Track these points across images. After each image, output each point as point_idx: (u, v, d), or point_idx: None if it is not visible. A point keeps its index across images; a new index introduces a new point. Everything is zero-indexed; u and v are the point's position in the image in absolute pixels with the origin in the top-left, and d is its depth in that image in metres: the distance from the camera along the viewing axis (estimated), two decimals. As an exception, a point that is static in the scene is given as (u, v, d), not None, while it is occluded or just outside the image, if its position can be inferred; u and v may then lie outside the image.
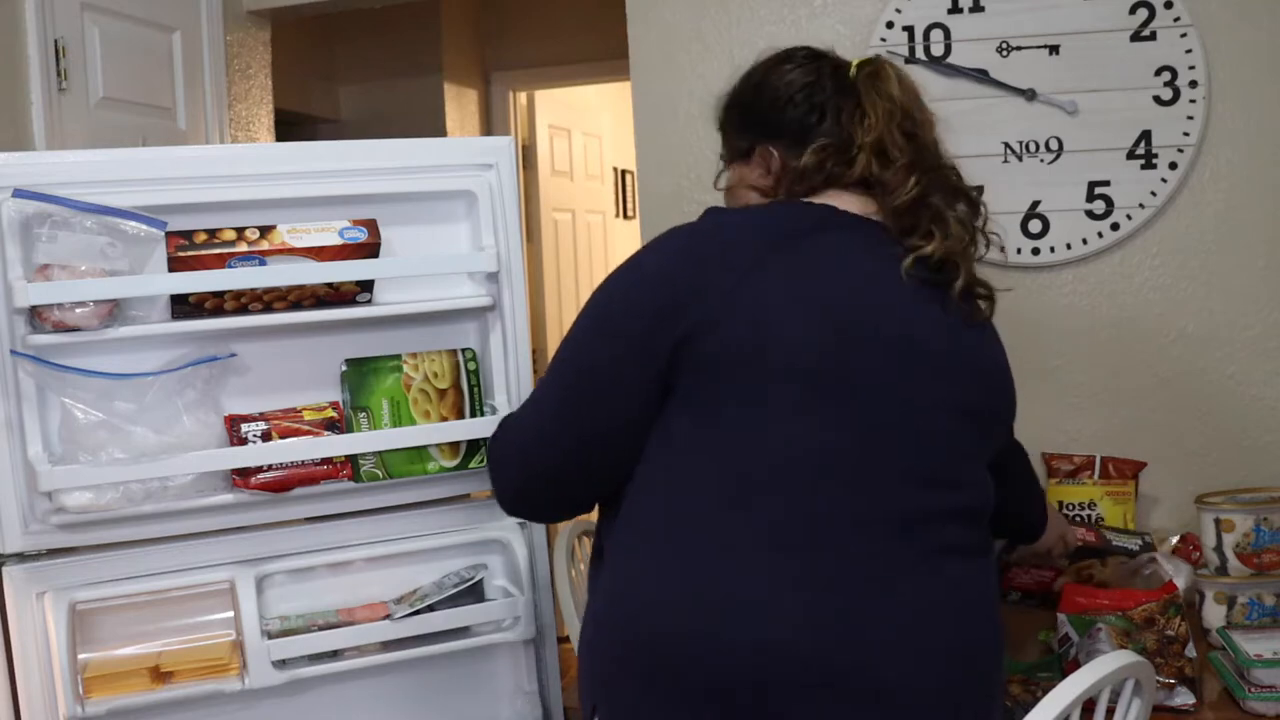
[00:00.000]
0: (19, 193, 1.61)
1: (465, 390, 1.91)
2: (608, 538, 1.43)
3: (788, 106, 1.47)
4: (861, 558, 1.29)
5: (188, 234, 1.68)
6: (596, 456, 1.41)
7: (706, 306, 1.32)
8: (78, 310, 1.62)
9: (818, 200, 1.44)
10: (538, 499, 1.52)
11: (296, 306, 1.75)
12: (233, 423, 1.74)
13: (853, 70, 1.48)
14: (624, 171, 5.56)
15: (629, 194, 5.69)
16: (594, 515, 1.51)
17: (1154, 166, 2.37)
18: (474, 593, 1.91)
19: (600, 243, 5.13)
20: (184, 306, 1.69)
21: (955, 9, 2.41)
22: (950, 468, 1.38)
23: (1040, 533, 1.88)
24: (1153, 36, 2.34)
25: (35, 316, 1.63)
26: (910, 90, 1.50)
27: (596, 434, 1.40)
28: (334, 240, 1.75)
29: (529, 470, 1.48)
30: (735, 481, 1.31)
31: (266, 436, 1.73)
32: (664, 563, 1.32)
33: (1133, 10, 2.35)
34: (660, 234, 1.45)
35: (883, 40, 2.44)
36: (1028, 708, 1.40)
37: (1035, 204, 2.42)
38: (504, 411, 1.93)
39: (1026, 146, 2.41)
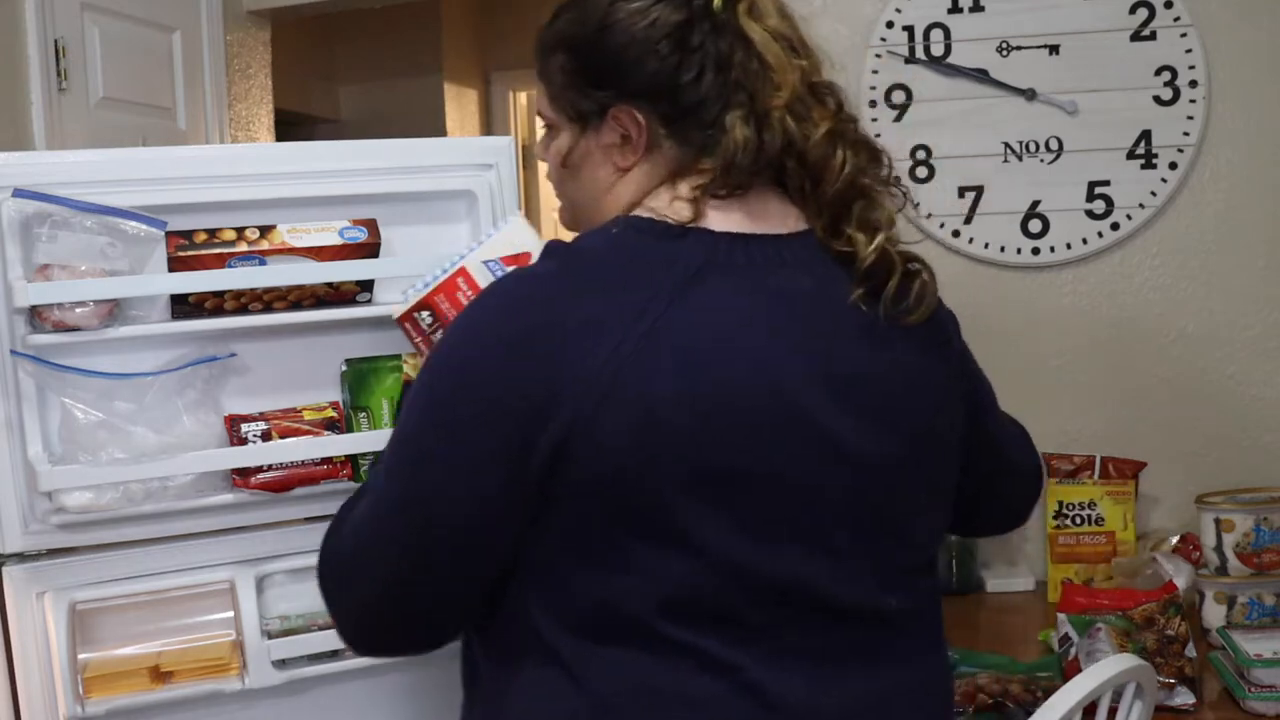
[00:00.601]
0: (19, 192, 1.61)
1: (465, 390, 1.91)
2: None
3: (650, 56, 1.08)
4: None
5: (188, 234, 1.68)
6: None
7: (576, 400, 0.99)
8: (78, 310, 1.62)
9: (716, 211, 1.09)
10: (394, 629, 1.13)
11: (296, 306, 1.75)
12: (233, 423, 1.74)
13: (716, 2, 1.09)
14: (624, 171, 5.57)
15: (629, 194, 5.69)
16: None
17: (1154, 166, 2.37)
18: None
19: (600, 243, 5.13)
20: (184, 306, 1.69)
21: (955, 9, 2.41)
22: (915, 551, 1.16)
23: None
24: (1153, 36, 2.34)
25: (35, 316, 1.63)
26: (791, 18, 1.15)
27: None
28: (334, 240, 1.75)
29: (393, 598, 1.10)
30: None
31: (266, 436, 1.73)
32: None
33: (1133, 10, 2.35)
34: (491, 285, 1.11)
35: (883, 40, 2.44)
36: (1029, 708, 1.40)
37: (1035, 204, 2.42)
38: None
39: (1026, 146, 2.41)
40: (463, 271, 1.49)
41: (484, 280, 1.44)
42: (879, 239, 1.09)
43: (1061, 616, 1.94)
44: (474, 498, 1.02)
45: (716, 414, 1.00)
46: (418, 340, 1.54)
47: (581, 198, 1.19)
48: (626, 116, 1.10)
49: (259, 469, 1.73)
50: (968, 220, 2.44)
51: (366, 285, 1.80)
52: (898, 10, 2.44)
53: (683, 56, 1.08)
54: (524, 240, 1.53)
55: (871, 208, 1.11)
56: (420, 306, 1.51)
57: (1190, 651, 1.77)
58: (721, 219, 1.08)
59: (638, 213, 1.11)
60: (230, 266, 1.68)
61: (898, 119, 2.44)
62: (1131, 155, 2.37)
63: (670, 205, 1.09)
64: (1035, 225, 2.42)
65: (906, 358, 1.12)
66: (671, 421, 0.99)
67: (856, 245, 1.09)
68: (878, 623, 1.09)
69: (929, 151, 2.44)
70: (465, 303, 1.36)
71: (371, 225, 1.80)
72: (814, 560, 1.05)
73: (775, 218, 1.11)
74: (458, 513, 1.03)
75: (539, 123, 1.28)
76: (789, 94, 1.06)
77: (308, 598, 1.84)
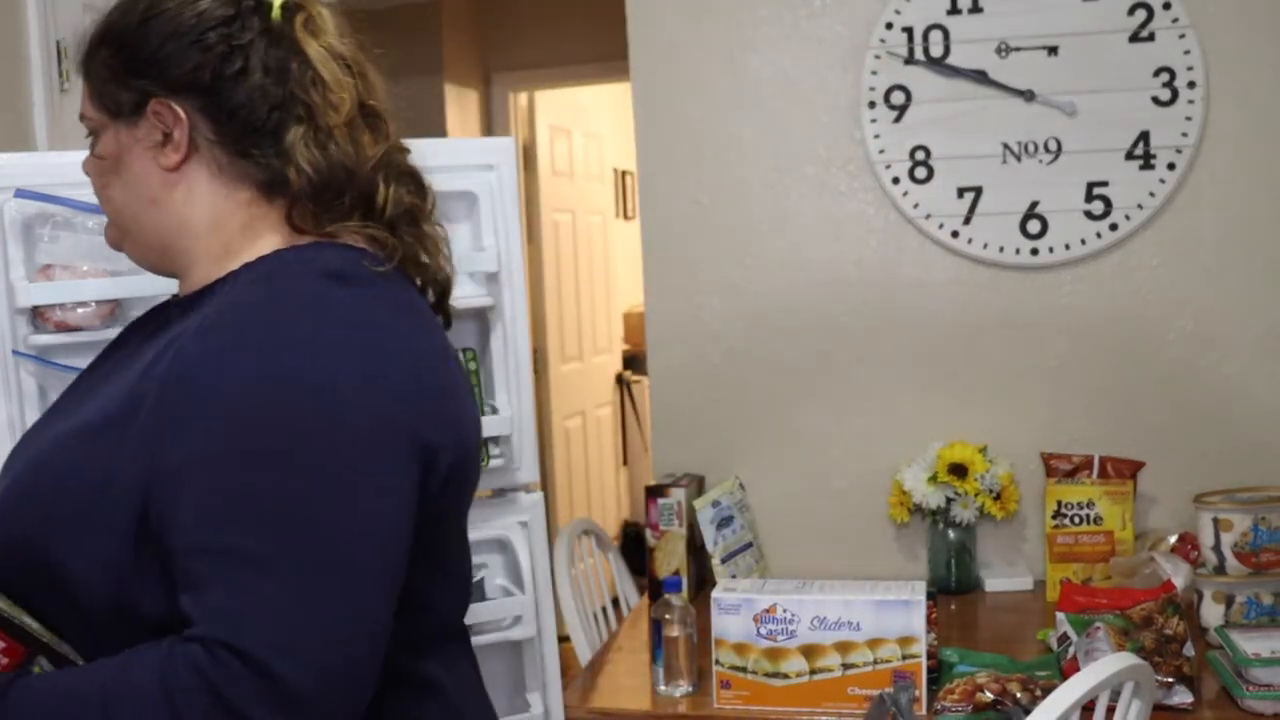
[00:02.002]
0: (21, 193, 1.61)
1: (466, 390, 1.91)
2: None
3: (193, 48, 1.03)
4: None
5: (189, 234, 1.68)
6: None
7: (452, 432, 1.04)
8: (79, 310, 1.63)
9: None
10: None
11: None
12: (234, 422, 1.74)
13: (275, 11, 1.05)
14: (624, 172, 5.57)
15: (629, 194, 5.69)
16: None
17: (1152, 167, 2.37)
18: (474, 592, 1.92)
19: (600, 243, 5.14)
20: (185, 307, 1.69)
21: (954, 10, 2.42)
22: None
23: None
24: (1151, 37, 2.35)
25: (37, 317, 1.64)
26: (350, 39, 1.12)
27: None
28: (335, 241, 1.76)
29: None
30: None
31: (267, 436, 1.73)
32: None
33: (1131, 11, 2.35)
34: (308, 322, 0.98)
35: (882, 41, 2.44)
36: (1027, 708, 1.40)
37: (1034, 204, 2.42)
38: (505, 412, 1.94)
39: (1025, 147, 2.42)
40: None
41: None
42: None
43: (1060, 616, 1.94)
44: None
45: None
46: None
47: (129, 205, 1.08)
48: (166, 110, 1.03)
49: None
50: (967, 221, 2.45)
51: (367, 285, 1.81)
52: (897, 11, 2.44)
53: (229, 51, 1.03)
54: None
55: (422, 239, 1.11)
56: None
57: (1188, 650, 1.77)
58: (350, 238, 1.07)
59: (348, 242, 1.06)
60: (231, 267, 1.68)
61: (897, 120, 2.45)
62: (1130, 156, 2.38)
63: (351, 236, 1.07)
64: (1034, 226, 2.43)
65: None
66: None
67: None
68: None
69: (928, 152, 2.44)
70: None
71: (372, 226, 1.80)
72: None
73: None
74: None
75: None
76: (345, 114, 1.04)
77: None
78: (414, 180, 1.12)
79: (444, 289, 1.14)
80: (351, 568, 0.93)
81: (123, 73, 1.06)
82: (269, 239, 1.05)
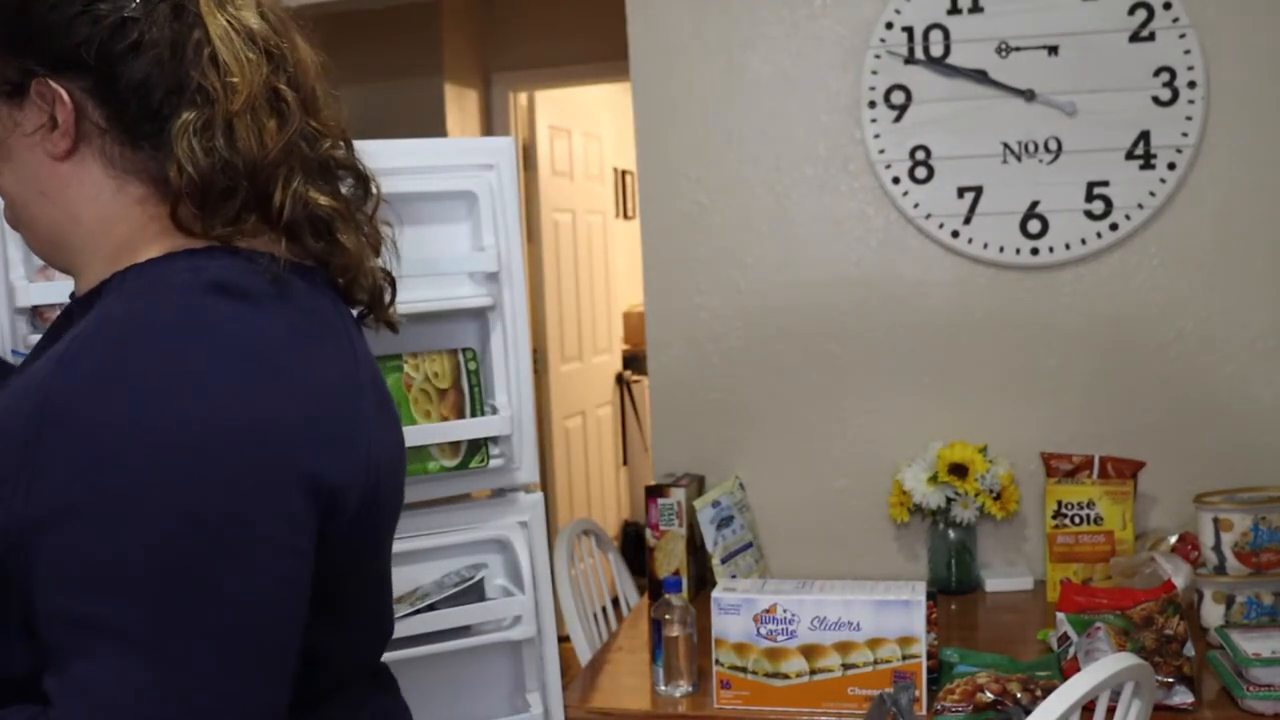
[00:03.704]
0: (21, 193, 1.61)
1: (465, 390, 1.91)
2: None
3: (80, 19, 0.90)
4: None
5: (189, 234, 1.68)
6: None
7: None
8: (79, 310, 1.62)
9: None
10: None
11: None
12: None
13: None
14: (624, 172, 5.57)
15: (629, 194, 5.70)
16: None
17: (1153, 167, 2.37)
18: (474, 592, 1.92)
19: (600, 243, 5.13)
20: (185, 306, 1.69)
21: (955, 9, 2.42)
22: None
23: None
24: (1151, 37, 2.35)
25: (37, 316, 1.64)
26: (280, 18, 0.99)
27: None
28: (335, 240, 1.76)
29: None
30: None
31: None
32: None
33: (1131, 11, 2.35)
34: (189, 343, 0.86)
35: (882, 40, 2.44)
36: (1028, 708, 1.40)
37: (1034, 204, 2.42)
38: (505, 412, 1.94)
39: (1026, 147, 2.42)
40: None
41: None
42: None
43: (1060, 616, 1.94)
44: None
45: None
46: None
47: (20, 194, 0.97)
48: (49, 91, 0.91)
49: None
50: (967, 220, 2.45)
51: (367, 285, 1.81)
52: (897, 11, 2.44)
53: (121, 23, 0.90)
54: None
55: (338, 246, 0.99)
56: None
57: (1188, 651, 1.77)
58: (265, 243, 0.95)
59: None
60: (231, 267, 1.68)
61: (897, 119, 2.45)
62: (1130, 155, 2.38)
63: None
64: (1034, 225, 2.43)
65: None
66: None
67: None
68: None
69: (928, 152, 2.44)
70: None
71: (372, 225, 1.80)
72: None
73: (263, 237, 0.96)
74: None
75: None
76: (242, 101, 0.91)
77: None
78: (350, 173, 1.02)
79: (375, 296, 1.03)
80: (237, 640, 0.81)
81: (6, 48, 0.93)
82: (164, 241, 0.93)
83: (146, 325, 0.85)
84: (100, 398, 0.80)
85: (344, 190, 1.01)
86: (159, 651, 0.78)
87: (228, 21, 0.92)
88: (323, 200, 0.96)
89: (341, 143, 1.01)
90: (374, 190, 1.03)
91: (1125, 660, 1.54)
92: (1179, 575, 2.07)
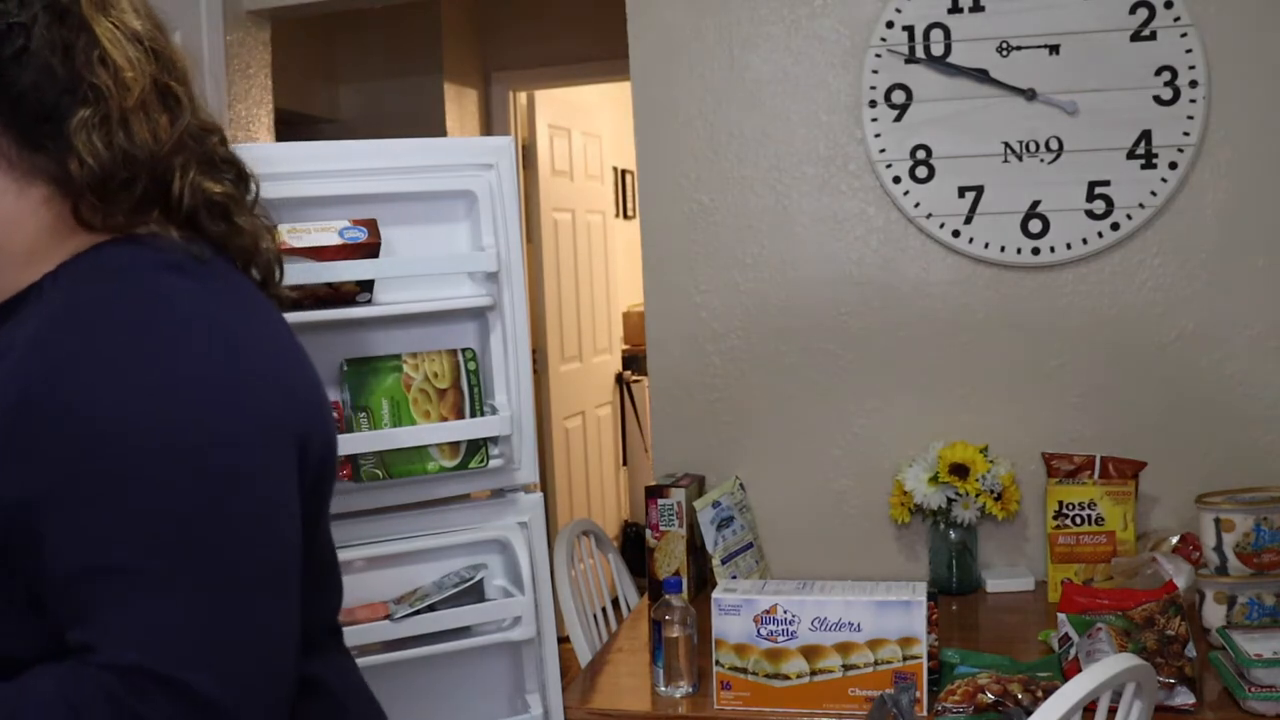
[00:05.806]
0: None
1: (465, 390, 1.91)
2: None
3: None
4: None
5: (188, 234, 1.68)
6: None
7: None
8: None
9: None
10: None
11: (297, 306, 1.75)
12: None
13: None
14: (624, 171, 5.56)
15: (629, 194, 5.69)
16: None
17: (1154, 166, 2.37)
18: (474, 593, 1.91)
19: (600, 243, 5.13)
20: (184, 306, 1.69)
21: (955, 9, 2.41)
22: None
23: None
24: (1153, 36, 2.34)
25: None
26: (154, 19, 1.01)
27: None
28: (334, 240, 1.75)
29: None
30: None
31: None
32: None
33: (1133, 10, 2.35)
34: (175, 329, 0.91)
35: (883, 40, 2.44)
36: (1029, 708, 1.40)
37: (1035, 204, 2.42)
38: (505, 412, 1.93)
39: (1026, 146, 2.41)
40: None
41: None
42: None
43: (1061, 616, 1.94)
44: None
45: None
46: None
47: None
48: None
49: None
50: (968, 220, 2.44)
51: (366, 285, 1.81)
52: (898, 10, 2.44)
53: (8, 29, 0.91)
54: None
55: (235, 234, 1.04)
56: None
57: (1190, 651, 1.77)
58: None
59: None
60: (230, 266, 1.68)
61: (898, 119, 2.44)
62: (1131, 155, 2.37)
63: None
64: (1035, 225, 2.42)
65: None
66: None
67: None
68: None
69: (929, 151, 2.44)
70: None
71: (371, 225, 1.80)
72: None
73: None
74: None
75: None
76: (137, 96, 0.94)
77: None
78: (232, 168, 1.04)
79: (267, 274, 1.08)
80: (254, 572, 0.88)
81: None
82: (75, 239, 0.95)
83: (113, 304, 0.90)
84: (82, 377, 0.85)
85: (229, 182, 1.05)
86: (183, 589, 0.84)
87: (112, 23, 0.95)
88: (217, 189, 1.01)
89: (221, 139, 1.05)
90: (254, 186, 1.08)
91: (1126, 661, 1.53)
92: (1180, 576, 2.06)
